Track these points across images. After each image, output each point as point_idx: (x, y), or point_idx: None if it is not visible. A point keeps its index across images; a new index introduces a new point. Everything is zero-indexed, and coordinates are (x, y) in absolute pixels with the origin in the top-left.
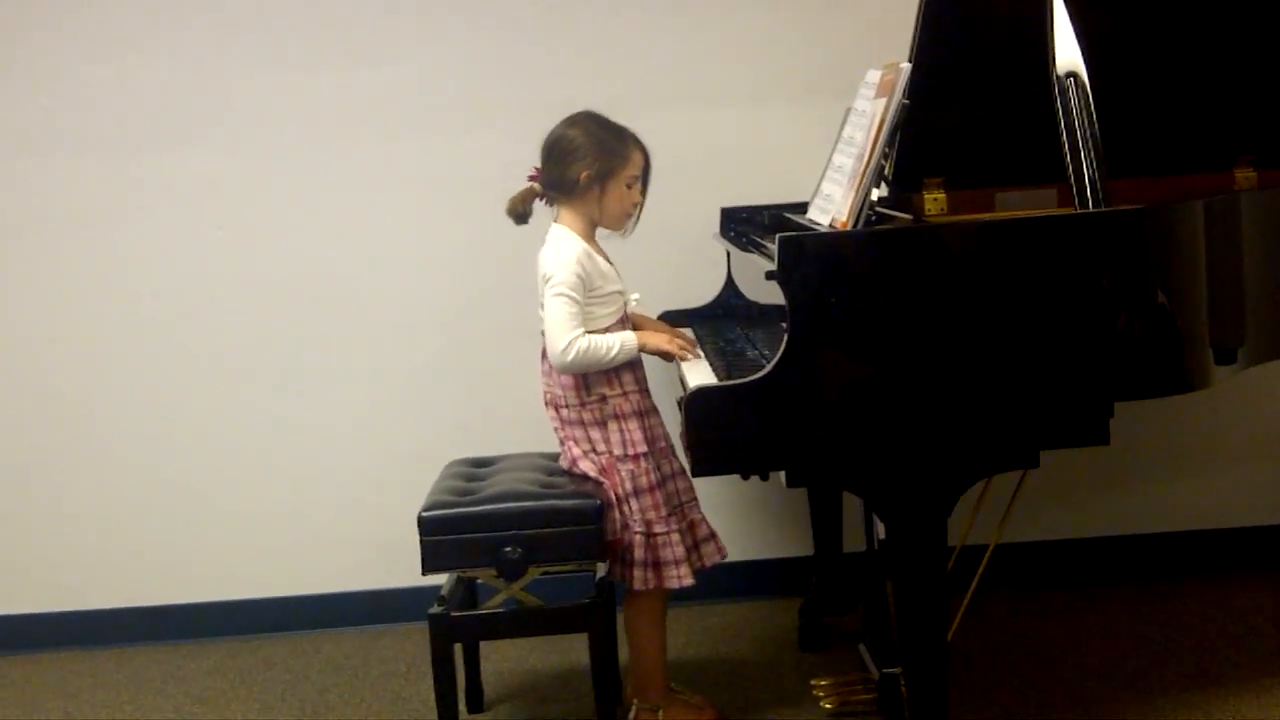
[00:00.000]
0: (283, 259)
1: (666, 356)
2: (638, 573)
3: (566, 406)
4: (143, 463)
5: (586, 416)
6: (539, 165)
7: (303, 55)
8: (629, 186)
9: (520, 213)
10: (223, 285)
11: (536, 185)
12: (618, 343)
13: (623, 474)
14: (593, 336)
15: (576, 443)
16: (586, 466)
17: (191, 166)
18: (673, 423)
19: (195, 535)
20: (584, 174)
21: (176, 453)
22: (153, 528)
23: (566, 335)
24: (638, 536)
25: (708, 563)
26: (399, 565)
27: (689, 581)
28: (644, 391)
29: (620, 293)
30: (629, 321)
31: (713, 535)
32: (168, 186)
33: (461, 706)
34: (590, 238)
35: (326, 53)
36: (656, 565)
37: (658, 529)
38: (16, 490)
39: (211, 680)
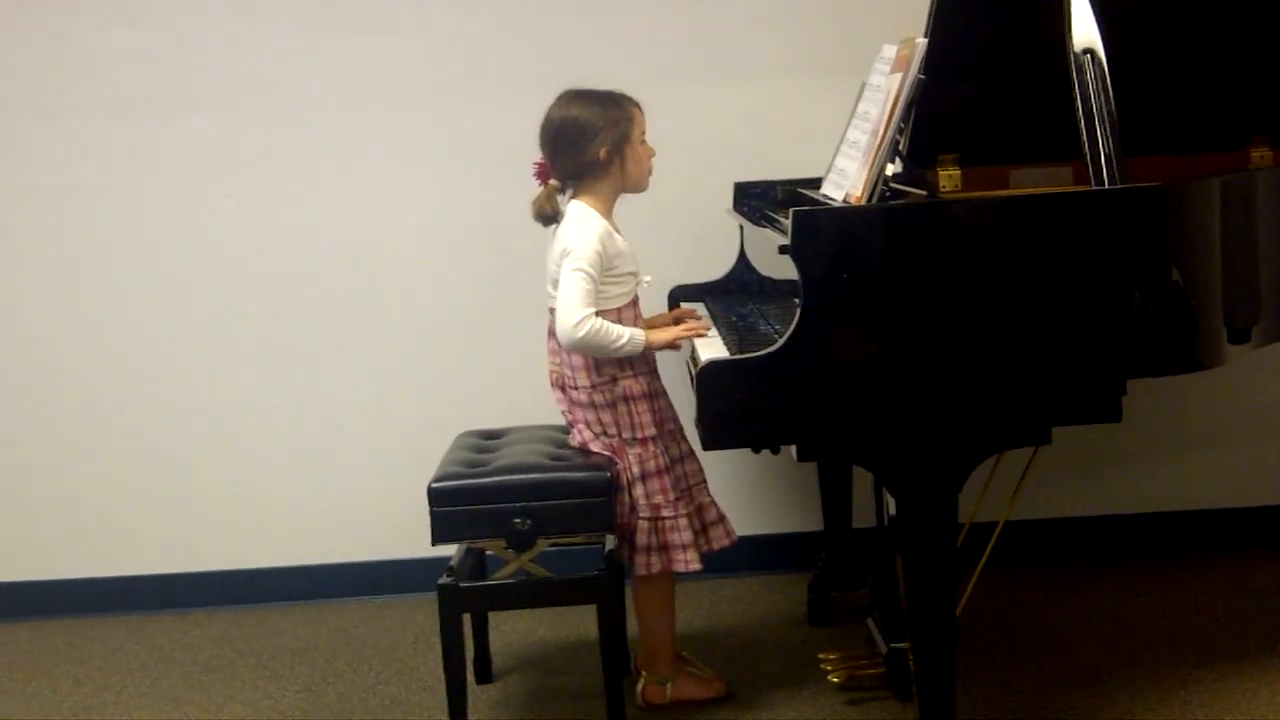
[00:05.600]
0: (294, 231)
1: (675, 347)
2: (642, 558)
3: (576, 388)
4: (152, 432)
5: (597, 398)
6: (543, 159)
7: (315, 24)
8: (641, 144)
9: (548, 214)
10: (233, 256)
11: (555, 181)
12: (628, 334)
13: (631, 457)
14: (605, 321)
15: (588, 425)
16: (598, 448)
17: (199, 136)
18: (682, 404)
19: (204, 504)
20: (603, 151)
21: (186, 422)
22: (162, 497)
23: (579, 312)
24: (643, 522)
25: (715, 546)
26: (408, 536)
27: (696, 566)
28: (654, 373)
29: (634, 274)
30: (639, 304)
31: (721, 519)
32: (178, 155)
33: (469, 677)
34: (610, 214)
35: (340, 21)
36: (664, 549)
37: (665, 513)
38: (27, 458)
39: (219, 649)
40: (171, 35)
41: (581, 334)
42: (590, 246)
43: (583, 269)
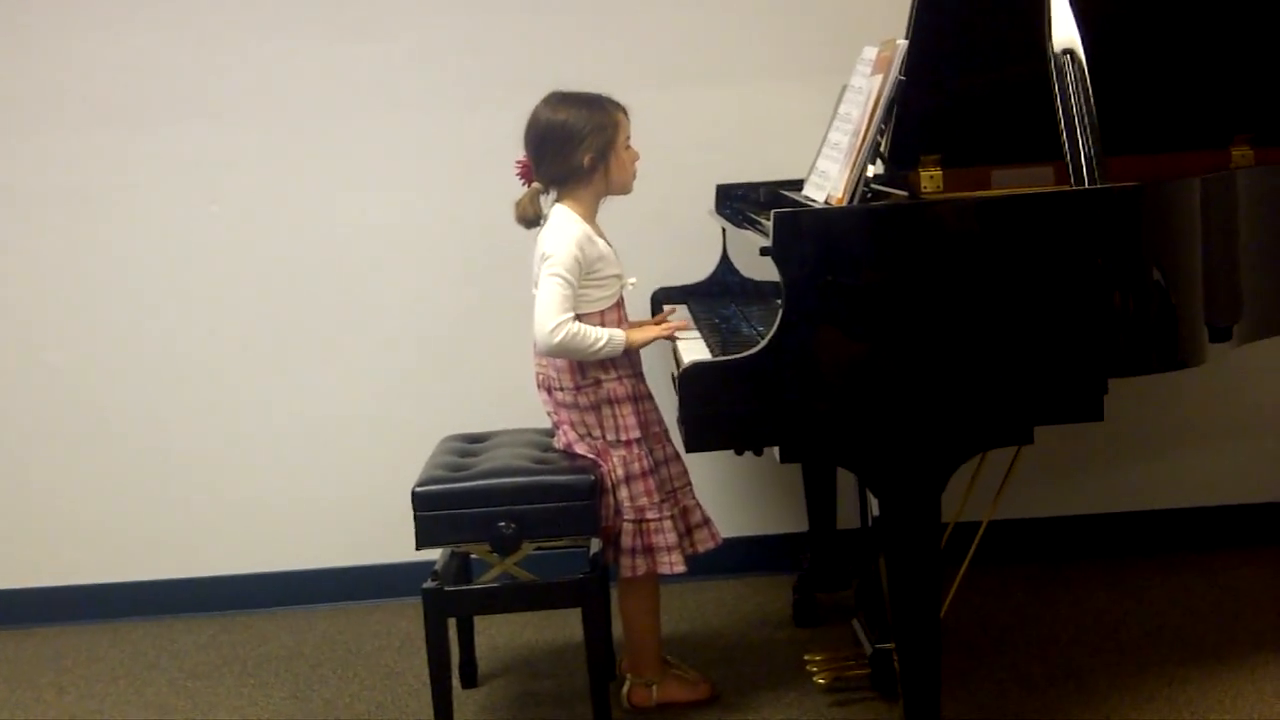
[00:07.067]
0: (278, 236)
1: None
2: (627, 560)
3: (561, 390)
4: (137, 438)
5: (581, 400)
6: (526, 159)
7: (300, 28)
8: (626, 149)
9: (531, 217)
10: (217, 262)
11: (539, 184)
12: (606, 336)
13: (615, 460)
14: (583, 325)
15: (573, 426)
16: (582, 450)
17: (186, 142)
18: (666, 406)
19: (190, 510)
20: (587, 158)
21: (171, 428)
22: (146, 502)
23: (556, 317)
24: (628, 524)
25: (700, 549)
26: (393, 540)
27: (680, 568)
28: (639, 376)
29: (618, 276)
30: (624, 306)
31: (706, 521)
32: (162, 161)
33: (455, 681)
34: (592, 218)
35: (325, 25)
36: (649, 551)
37: (650, 515)
38: (11, 465)
39: (205, 655)
40: (163, 41)
41: (558, 340)
42: (568, 252)
43: (559, 275)
